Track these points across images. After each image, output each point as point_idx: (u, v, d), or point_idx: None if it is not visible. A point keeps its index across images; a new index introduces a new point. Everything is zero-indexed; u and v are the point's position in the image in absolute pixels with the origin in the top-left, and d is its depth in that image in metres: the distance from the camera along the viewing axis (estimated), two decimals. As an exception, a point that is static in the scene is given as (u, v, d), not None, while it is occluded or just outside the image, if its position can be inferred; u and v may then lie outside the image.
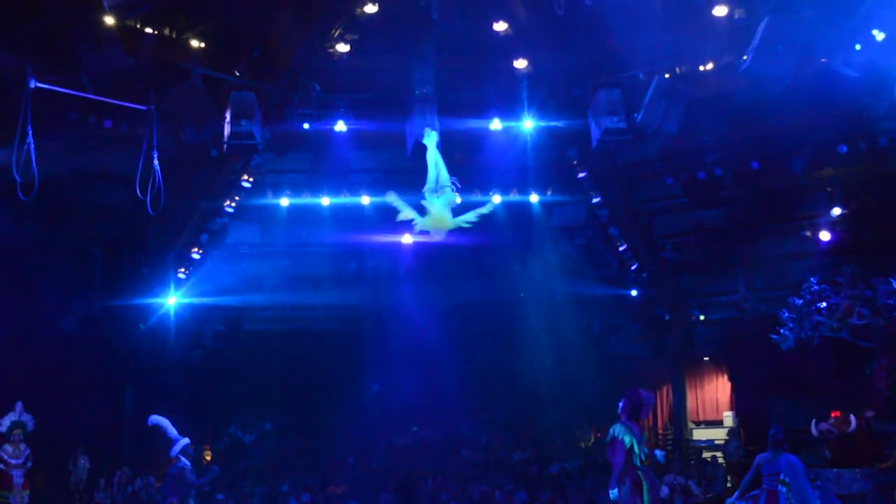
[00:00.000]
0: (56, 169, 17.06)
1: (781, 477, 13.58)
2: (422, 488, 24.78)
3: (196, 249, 26.75)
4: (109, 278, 24.68)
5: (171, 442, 14.66)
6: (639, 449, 11.78)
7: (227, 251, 27.69)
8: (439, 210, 12.76)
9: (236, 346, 28.25)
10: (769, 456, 13.88)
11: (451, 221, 12.77)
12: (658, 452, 13.61)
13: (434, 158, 13.54)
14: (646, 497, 11.81)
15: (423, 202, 13.25)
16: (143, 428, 26.32)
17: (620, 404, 12.09)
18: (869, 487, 19.73)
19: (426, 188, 13.27)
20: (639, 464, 11.82)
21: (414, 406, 26.94)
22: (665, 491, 23.40)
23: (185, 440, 14.54)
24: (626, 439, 11.74)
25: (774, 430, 14.20)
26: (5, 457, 18.14)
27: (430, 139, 13.79)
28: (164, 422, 14.79)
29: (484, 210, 12.98)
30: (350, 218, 27.62)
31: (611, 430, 12.12)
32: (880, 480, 19.61)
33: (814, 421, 20.59)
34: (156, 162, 13.19)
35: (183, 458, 14.28)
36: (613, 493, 11.68)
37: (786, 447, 13.96)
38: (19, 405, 18.70)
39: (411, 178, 24.08)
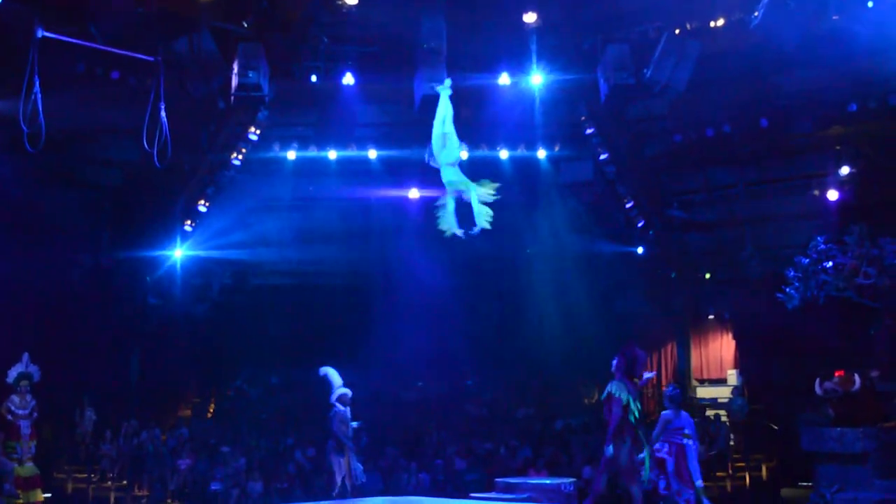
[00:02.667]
0: (63, 121, 17.10)
1: (686, 431, 14.47)
2: (427, 442, 24.90)
3: (203, 202, 26.75)
4: (116, 230, 24.73)
5: (331, 390, 14.84)
6: (634, 406, 11.83)
7: (234, 204, 27.68)
8: (455, 176, 12.53)
9: (243, 299, 28.33)
10: (672, 414, 14.59)
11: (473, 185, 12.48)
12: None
13: (445, 113, 13.04)
14: (646, 456, 11.89)
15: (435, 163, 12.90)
16: (149, 380, 26.67)
17: (615, 362, 12.20)
18: (872, 447, 19.77)
19: (434, 149, 12.86)
20: (633, 421, 11.89)
21: (420, 361, 27.00)
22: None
23: (342, 390, 14.63)
24: (623, 396, 11.82)
25: (672, 390, 15.00)
26: (12, 407, 18.21)
27: (445, 90, 13.07)
28: (332, 372, 14.92)
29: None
30: (357, 172, 27.60)
31: (607, 386, 12.18)
32: (883, 440, 19.67)
33: (818, 380, 20.60)
34: (163, 114, 13.14)
35: (338, 405, 14.41)
36: (609, 449, 11.75)
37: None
38: (26, 356, 18.76)
39: (419, 133, 24.18)
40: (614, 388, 11.93)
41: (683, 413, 14.78)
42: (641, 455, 13.57)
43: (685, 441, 14.58)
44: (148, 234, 25.87)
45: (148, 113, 13.18)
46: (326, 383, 15.25)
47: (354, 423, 15.38)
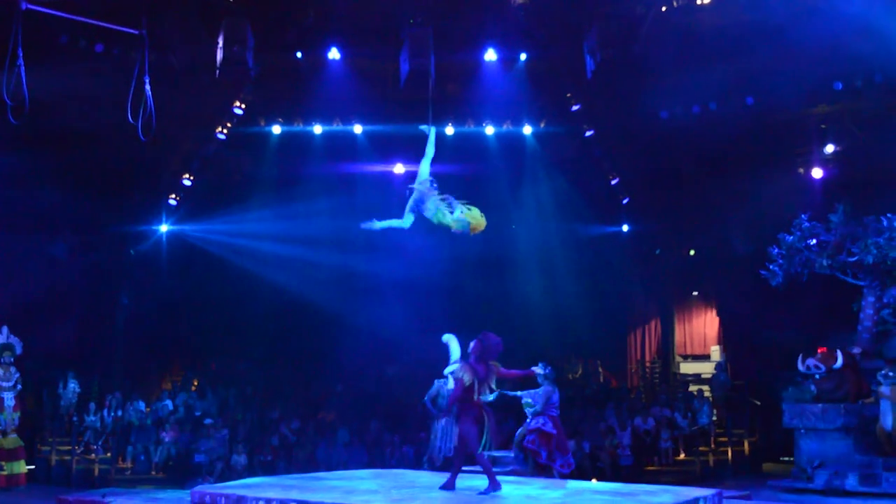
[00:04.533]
0: (47, 93, 16.98)
1: (556, 404, 15.96)
2: (411, 416, 24.96)
3: (188, 176, 26.70)
4: (100, 204, 24.59)
5: (448, 359, 14.86)
6: (480, 388, 12.27)
7: (219, 179, 27.61)
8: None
9: (227, 273, 28.26)
10: (552, 388, 15.93)
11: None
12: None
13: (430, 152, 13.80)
14: (486, 434, 12.39)
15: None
16: (132, 353, 26.65)
17: (472, 345, 12.57)
18: (854, 423, 19.93)
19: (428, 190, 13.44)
20: (481, 400, 12.36)
21: (404, 336, 27.02)
22: (651, 423, 23.65)
23: (456, 364, 14.63)
24: (466, 378, 12.19)
25: (546, 367, 16.02)
26: (-5, 379, 18.23)
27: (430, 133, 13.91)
28: (453, 343, 14.96)
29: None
30: (342, 147, 27.56)
31: (455, 368, 12.59)
32: (865, 416, 19.82)
33: (800, 356, 20.73)
34: (147, 87, 13.10)
35: (448, 377, 14.39)
36: (440, 423, 12.30)
37: None
38: (5, 329, 18.75)
39: (404, 109, 24.15)
40: (459, 370, 12.40)
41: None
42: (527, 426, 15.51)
43: (556, 413, 15.98)
44: (132, 207, 25.80)
45: (132, 86, 13.14)
46: (446, 350, 15.24)
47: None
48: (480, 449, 12.26)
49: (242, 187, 28.14)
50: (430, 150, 13.80)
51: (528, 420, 16.11)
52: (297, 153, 27.68)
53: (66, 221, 24.59)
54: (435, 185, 13.55)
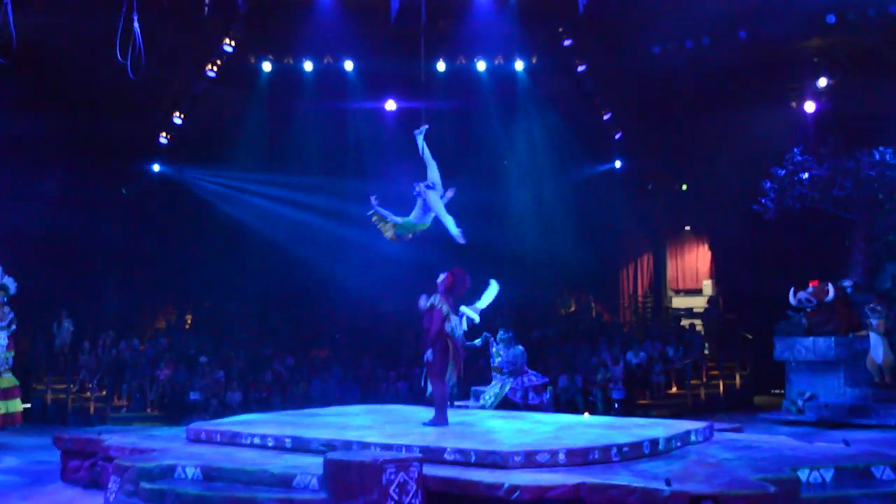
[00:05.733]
0: (35, 31, 16.83)
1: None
2: (404, 352, 25.08)
3: (178, 114, 26.55)
4: (91, 142, 24.45)
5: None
6: (453, 318, 12.61)
7: (210, 117, 27.45)
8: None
9: (220, 212, 28.19)
10: (523, 349, 16.79)
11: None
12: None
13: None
14: (451, 363, 12.65)
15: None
16: (126, 292, 26.65)
17: (442, 277, 12.79)
18: (844, 355, 20.11)
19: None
20: (450, 331, 12.57)
21: (397, 272, 27.07)
22: (643, 357, 23.79)
23: (474, 313, 14.62)
24: (444, 308, 12.38)
25: (508, 331, 16.85)
26: (-11, 319, 18.22)
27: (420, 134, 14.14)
28: (491, 288, 14.91)
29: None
30: (333, 84, 27.39)
31: (430, 298, 12.75)
32: (855, 349, 19.99)
33: (792, 290, 20.85)
34: (136, 24, 12.99)
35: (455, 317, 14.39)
36: (428, 353, 12.46)
37: None
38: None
39: (395, 44, 23.96)
40: (437, 300, 12.54)
41: None
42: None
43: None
44: (123, 146, 25.64)
45: (121, 23, 13.03)
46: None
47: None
48: (447, 380, 12.55)
49: (233, 125, 27.97)
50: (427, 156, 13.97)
51: (512, 380, 16.39)
52: (287, 90, 27.51)
53: (57, 160, 24.44)
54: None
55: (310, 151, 28.04)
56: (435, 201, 13.57)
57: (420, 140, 13.97)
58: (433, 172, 13.79)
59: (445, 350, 12.69)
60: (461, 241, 13.25)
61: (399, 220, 13.98)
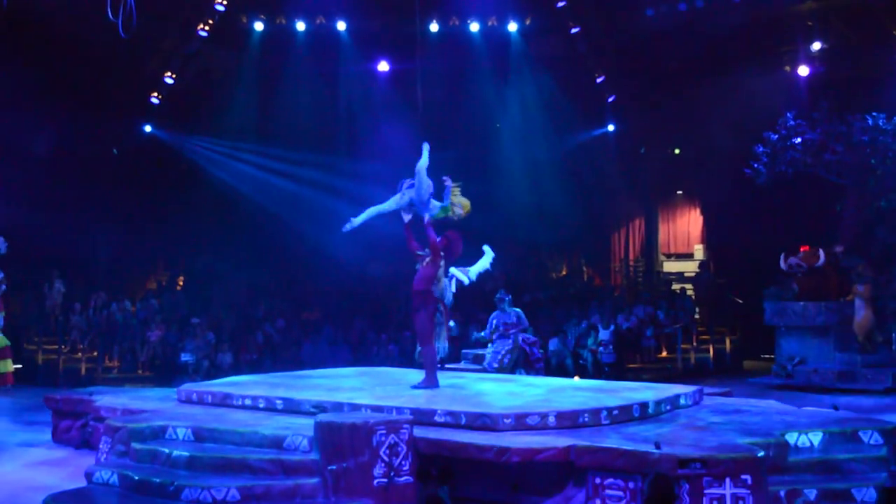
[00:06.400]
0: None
1: None
2: (394, 314, 25.11)
3: (169, 74, 26.39)
4: (82, 101, 24.29)
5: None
6: (438, 282, 12.91)
7: (201, 76, 27.29)
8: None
9: (211, 175, 28.06)
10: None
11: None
12: None
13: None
14: (440, 326, 12.92)
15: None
16: (117, 253, 26.58)
17: (437, 239, 12.85)
18: (833, 320, 20.17)
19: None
20: (438, 294, 12.75)
21: (388, 234, 27.02)
22: (633, 321, 23.84)
23: (464, 277, 14.62)
24: (435, 265, 12.61)
25: (507, 294, 17.24)
26: (-21, 280, 18.14)
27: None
28: (486, 255, 15.04)
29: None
30: (326, 44, 27.23)
31: (423, 252, 13.08)
32: (845, 314, 20.05)
33: (782, 255, 20.88)
34: (127, -18, 12.89)
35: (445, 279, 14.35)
36: (416, 316, 12.57)
37: None
38: (-10, 229, 18.64)
39: (388, 4, 23.82)
40: (427, 261, 12.69)
41: None
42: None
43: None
44: (114, 105, 25.49)
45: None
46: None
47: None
48: (437, 345, 12.66)
49: (224, 87, 27.82)
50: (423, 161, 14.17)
51: (519, 338, 16.53)
52: (279, 51, 27.35)
53: (48, 118, 24.29)
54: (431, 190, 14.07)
55: (301, 113, 27.86)
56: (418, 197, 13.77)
57: (425, 154, 14.19)
58: (422, 189, 14.03)
59: (434, 313, 12.74)
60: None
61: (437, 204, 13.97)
